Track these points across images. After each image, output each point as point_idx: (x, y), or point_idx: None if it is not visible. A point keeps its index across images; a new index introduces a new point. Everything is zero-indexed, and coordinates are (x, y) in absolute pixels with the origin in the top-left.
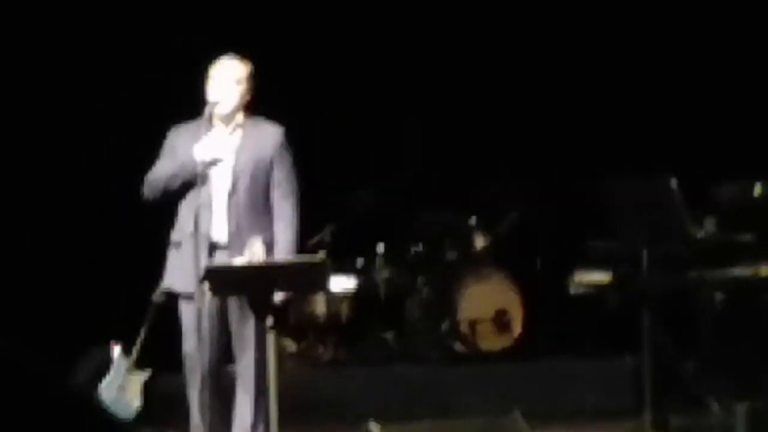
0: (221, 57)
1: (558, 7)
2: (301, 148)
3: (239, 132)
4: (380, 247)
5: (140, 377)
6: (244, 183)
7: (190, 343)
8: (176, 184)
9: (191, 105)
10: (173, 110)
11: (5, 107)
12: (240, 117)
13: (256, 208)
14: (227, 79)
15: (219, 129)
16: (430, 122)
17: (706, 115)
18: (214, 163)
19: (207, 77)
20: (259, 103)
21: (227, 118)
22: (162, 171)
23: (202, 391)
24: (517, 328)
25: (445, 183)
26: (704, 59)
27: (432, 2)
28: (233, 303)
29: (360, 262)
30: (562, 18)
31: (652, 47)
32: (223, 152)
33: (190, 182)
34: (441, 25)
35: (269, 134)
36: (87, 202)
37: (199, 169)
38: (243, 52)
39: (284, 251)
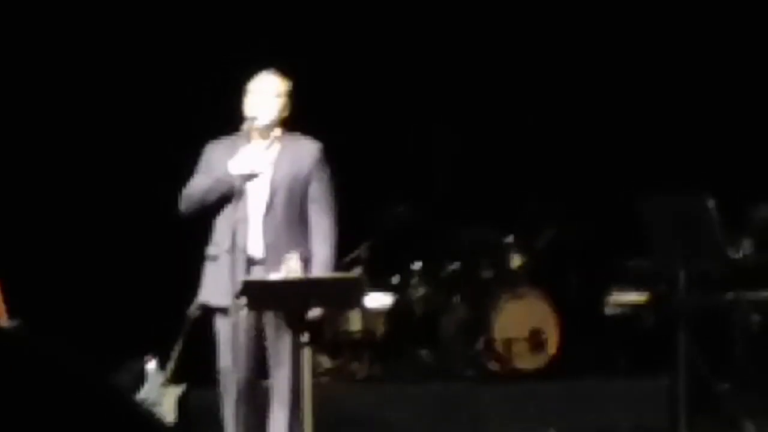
0: (260, 72)
1: (600, 24)
2: (337, 164)
3: (277, 147)
4: (416, 265)
5: (175, 391)
6: (281, 198)
7: (225, 358)
8: (213, 198)
9: (228, 121)
10: (210, 125)
11: (43, 122)
12: (278, 132)
13: (292, 223)
14: (266, 93)
15: (256, 144)
16: (467, 138)
17: (744, 134)
18: (250, 177)
19: (245, 93)
20: (295, 119)
21: (265, 133)
22: (199, 185)
23: (237, 406)
24: (552, 348)
25: (481, 200)
26: (744, 79)
27: (470, 22)
28: (269, 318)
29: (396, 279)
30: (602, 34)
31: (693, 67)
32: (260, 166)
33: (227, 197)
34: (479, 43)
35: (307, 149)
36: (124, 217)
37: (236, 183)
38: (280, 69)
39: (321, 267)
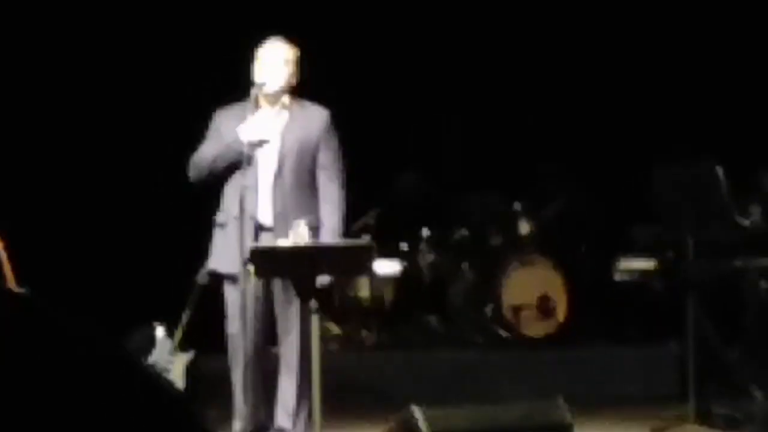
0: (268, 39)
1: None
2: (345, 132)
3: (285, 114)
4: (425, 232)
5: (183, 358)
6: (289, 164)
7: (234, 325)
8: (222, 165)
9: (238, 87)
10: (220, 92)
11: (48, 95)
12: (286, 99)
13: (301, 190)
14: (275, 60)
15: (265, 110)
16: (476, 106)
17: (752, 101)
18: (260, 144)
19: (253, 59)
20: (303, 87)
21: (274, 99)
22: (208, 152)
23: (245, 372)
24: (560, 314)
25: (490, 167)
26: (749, 46)
27: None
28: (278, 285)
29: (404, 246)
30: (614, 4)
31: (697, 35)
32: (269, 133)
33: (236, 163)
34: (492, 10)
35: (315, 116)
36: (134, 183)
37: (245, 149)
38: (289, 36)
39: (330, 234)
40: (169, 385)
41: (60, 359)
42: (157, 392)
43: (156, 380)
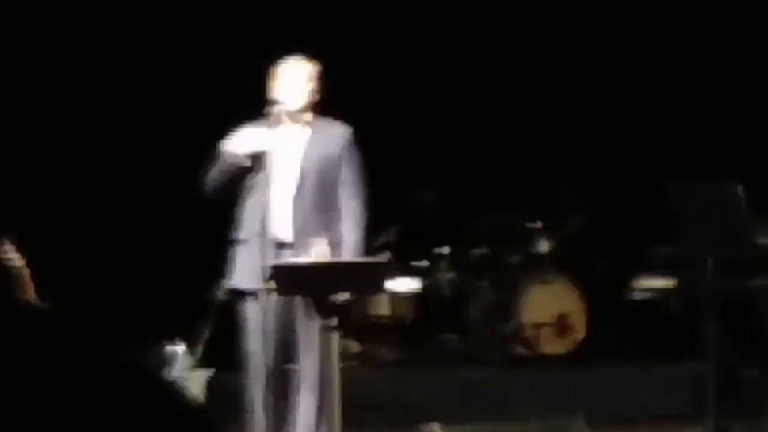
0: (289, 57)
1: (632, 5)
2: (366, 149)
3: (308, 130)
4: (444, 249)
5: (202, 375)
6: (311, 181)
7: (254, 343)
8: (226, 179)
9: (258, 104)
10: (244, 110)
11: (69, 105)
12: (309, 116)
13: (322, 206)
14: (296, 78)
15: (287, 127)
16: (495, 124)
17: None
18: (257, 155)
19: (273, 77)
20: (323, 104)
21: (295, 117)
22: (216, 168)
23: (265, 389)
24: (579, 332)
25: (509, 185)
26: None
27: (498, 7)
28: (298, 303)
29: (423, 263)
30: (632, 18)
31: (720, 53)
32: (263, 144)
33: (239, 176)
34: (508, 27)
35: (337, 133)
36: (154, 201)
37: (243, 161)
38: (309, 54)
39: (351, 251)
40: (190, 398)
41: (77, 373)
42: (178, 406)
43: (176, 394)
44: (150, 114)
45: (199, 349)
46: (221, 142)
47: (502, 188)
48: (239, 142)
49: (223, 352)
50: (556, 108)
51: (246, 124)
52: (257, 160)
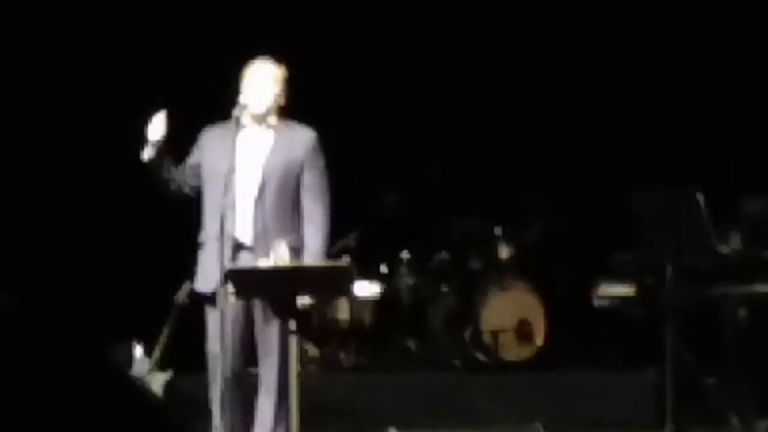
0: (256, 59)
1: (593, 17)
2: (328, 152)
3: (272, 133)
4: (404, 254)
5: (161, 378)
6: (273, 185)
7: (214, 346)
8: (154, 170)
9: (225, 106)
10: (212, 111)
11: (42, 104)
12: (273, 119)
13: (284, 210)
14: (262, 80)
15: (251, 130)
16: (457, 129)
17: (734, 128)
18: (150, 142)
19: (240, 79)
20: (288, 107)
21: (260, 119)
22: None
23: (224, 392)
24: (539, 339)
25: (472, 191)
26: (733, 73)
27: (465, 13)
28: (258, 306)
29: (384, 268)
30: (594, 29)
31: (681, 61)
32: (154, 134)
33: (160, 166)
34: (474, 33)
35: (301, 137)
36: (116, 200)
37: (149, 149)
38: (276, 56)
39: (313, 256)
40: (149, 392)
41: (43, 365)
42: (139, 398)
43: (136, 387)
44: (118, 112)
45: (159, 350)
46: (196, 143)
47: (465, 193)
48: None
49: (185, 354)
50: (520, 114)
51: (211, 125)
52: (155, 147)
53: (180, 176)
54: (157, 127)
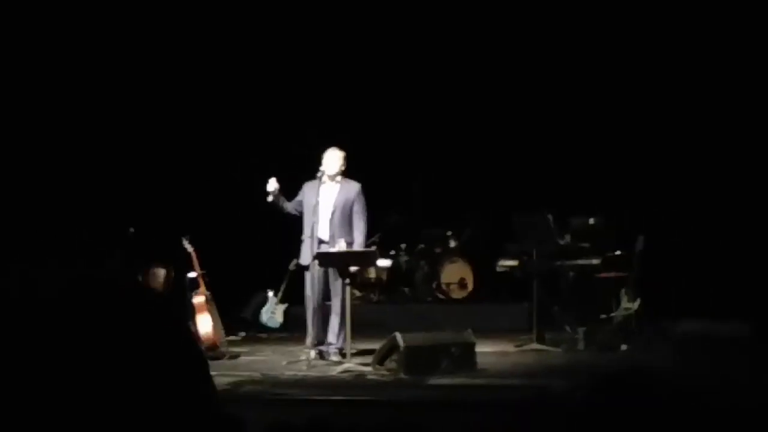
0: (331, 148)
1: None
2: (367, 191)
3: (338, 185)
4: (403, 246)
5: (282, 307)
6: (338, 212)
7: (308, 290)
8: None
9: (312, 170)
10: (305, 174)
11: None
12: (339, 178)
13: (343, 224)
14: (333, 158)
15: (328, 183)
16: (433, 169)
17: (567, 173)
18: (270, 194)
19: (321, 156)
20: (345, 171)
21: (331, 178)
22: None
23: (313, 314)
24: (470, 287)
25: (437, 213)
26: (571, 137)
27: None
28: (330, 271)
29: (393, 252)
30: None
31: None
32: (270, 187)
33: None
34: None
35: (353, 187)
36: (266, 218)
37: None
38: (338, 144)
39: (357, 246)
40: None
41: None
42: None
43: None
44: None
45: (281, 294)
46: (301, 190)
47: (433, 214)
48: (270, 186)
49: (293, 296)
50: (461, 163)
51: (308, 181)
52: (272, 195)
53: (290, 207)
54: (271, 185)
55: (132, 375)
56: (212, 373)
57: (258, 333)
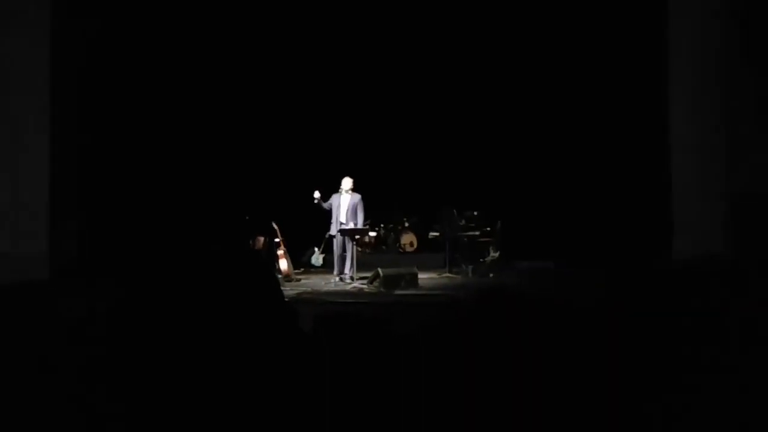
0: (346, 176)
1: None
2: (366, 200)
3: (350, 196)
4: (381, 225)
5: (322, 256)
6: (350, 208)
7: (335, 249)
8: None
9: (336, 186)
10: (332, 188)
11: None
12: (350, 191)
13: (352, 215)
14: (347, 182)
15: (345, 194)
16: (408, 192)
17: (467, 183)
18: (315, 198)
19: (342, 180)
20: (354, 188)
21: (347, 191)
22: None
23: (336, 259)
24: (415, 246)
25: (411, 207)
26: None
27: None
28: (345, 237)
29: (377, 228)
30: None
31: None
32: (317, 197)
33: (325, 208)
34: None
35: (357, 197)
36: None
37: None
38: (350, 174)
39: (359, 226)
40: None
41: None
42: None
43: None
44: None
45: (321, 249)
46: (330, 198)
47: (405, 210)
48: (315, 195)
49: (327, 250)
50: (441, 163)
51: (335, 193)
52: (316, 200)
53: (326, 206)
54: (316, 194)
55: (250, 289)
56: (284, 289)
57: (310, 269)
